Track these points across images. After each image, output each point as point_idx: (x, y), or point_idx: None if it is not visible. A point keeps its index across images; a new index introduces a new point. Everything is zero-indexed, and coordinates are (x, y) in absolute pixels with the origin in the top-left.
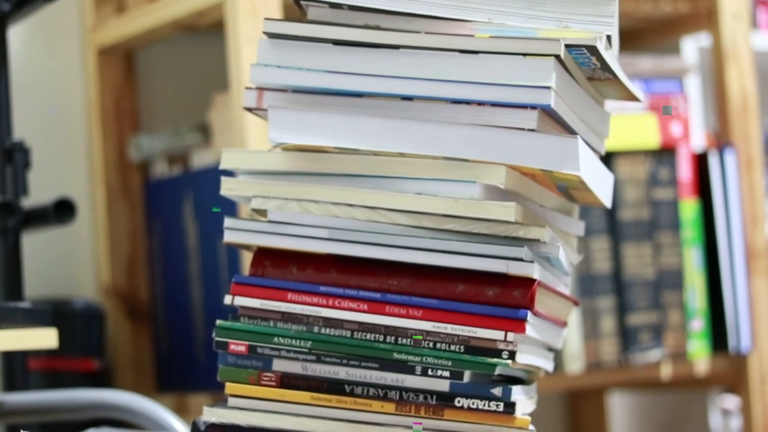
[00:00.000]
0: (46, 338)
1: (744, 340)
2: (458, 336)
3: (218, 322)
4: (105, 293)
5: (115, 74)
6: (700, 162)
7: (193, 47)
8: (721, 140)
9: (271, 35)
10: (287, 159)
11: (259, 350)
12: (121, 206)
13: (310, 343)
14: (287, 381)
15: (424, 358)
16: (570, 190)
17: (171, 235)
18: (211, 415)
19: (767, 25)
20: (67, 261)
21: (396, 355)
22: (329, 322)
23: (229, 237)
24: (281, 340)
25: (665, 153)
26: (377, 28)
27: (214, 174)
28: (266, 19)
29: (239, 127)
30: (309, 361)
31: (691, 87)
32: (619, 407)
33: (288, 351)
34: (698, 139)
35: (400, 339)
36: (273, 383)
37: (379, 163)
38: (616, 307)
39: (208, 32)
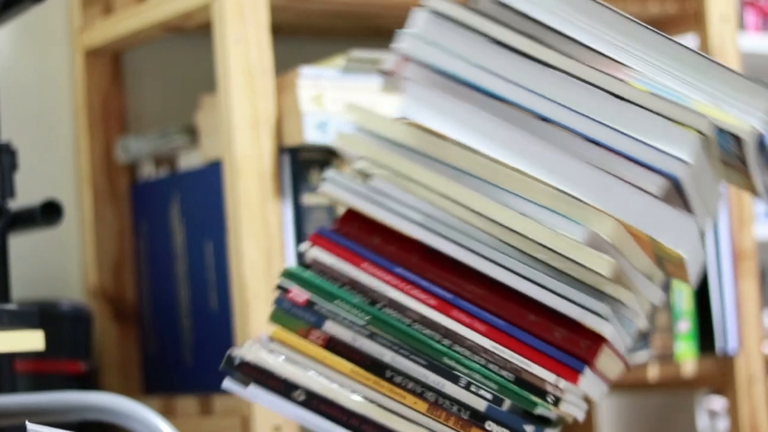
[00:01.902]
0: (32, 340)
1: (731, 342)
2: (513, 364)
3: (287, 266)
4: (92, 295)
5: (103, 76)
6: None
7: (180, 49)
8: None
9: (434, 11)
10: (410, 134)
11: (317, 306)
12: (108, 208)
13: (368, 317)
14: (333, 346)
15: (472, 372)
16: (664, 261)
17: (158, 236)
18: (249, 353)
19: (754, 26)
20: (53, 263)
21: (446, 360)
22: (394, 304)
23: (326, 187)
24: (342, 304)
25: None
26: (538, 40)
27: (201, 176)
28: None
29: (227, 128)
30: (361, 334)
31: None
32: (606, 408)
33: (344, 317)
34: None
35: (455, 346)
36: (320, 343)
37: (496, 171)
38: None
39: (195, 34)
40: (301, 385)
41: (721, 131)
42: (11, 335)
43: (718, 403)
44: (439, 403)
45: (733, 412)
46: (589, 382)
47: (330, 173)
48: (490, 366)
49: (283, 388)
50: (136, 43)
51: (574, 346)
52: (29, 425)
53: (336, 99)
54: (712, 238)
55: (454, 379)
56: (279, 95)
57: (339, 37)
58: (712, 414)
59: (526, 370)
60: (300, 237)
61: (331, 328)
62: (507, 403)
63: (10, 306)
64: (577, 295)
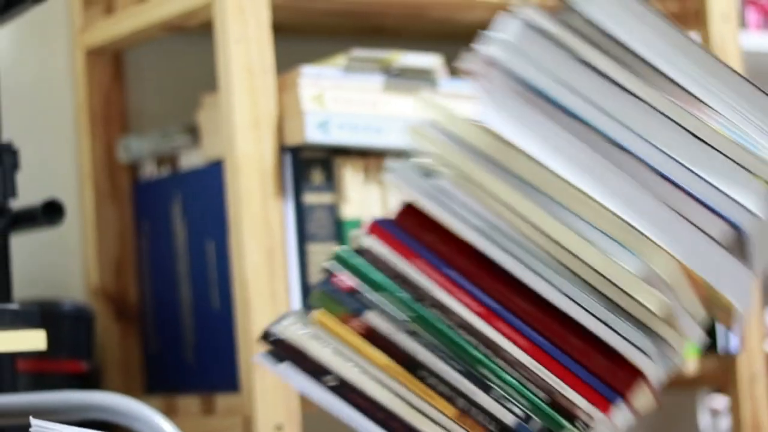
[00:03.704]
0: (34, 340)
1: (733, 340)
2: (548, 384)
3: (338, 249)
4: (93, 294)
5: (104, 75)
6: None
7: (181, 48)
8: None
9: (525, 22)
10: (484, 138)
11: (361, 295)
12: (110, 207)
13: (411, 314)
14: (372, 336)
15: (506, 386)
16: (714, 305)
17: (160, 236)
18: (287, 331)
19: (756, 24)
20: (55, 262)
21: (482, 369)
22: (439, 304)
23: (393, 176)
24: (387, 296)
25: None
26: (623, 63)
27: (203, 175)
28: (530, 8)
29: (228, 128)
30: (401, 329)
31: None
32: None
33: (387, 310)
34: None
35: (493, 356)
36: (359, 331)
37: (563, 190)
38: None
39: (196, 33)
40: (334, 370)
41: None
42: (13, 335)
43: (719, 401)
44: (469, 411)
45: (734, 410)
46: (620, 415)
47: (396, 165)
48: (525, 383)
49: (316, 370)
50: (137, 42)
51: (613, 378)
52: (33, 421)
53: (337, 98)
54: None
55: (487, 390)
56: (280, 94)
57: (340, 36)
58: (714, 413)
59: (561, 393)
60: (301, 236)
61: (372, 318)
62: (536, 423)
63: (12, 306)
64: (624, 328)
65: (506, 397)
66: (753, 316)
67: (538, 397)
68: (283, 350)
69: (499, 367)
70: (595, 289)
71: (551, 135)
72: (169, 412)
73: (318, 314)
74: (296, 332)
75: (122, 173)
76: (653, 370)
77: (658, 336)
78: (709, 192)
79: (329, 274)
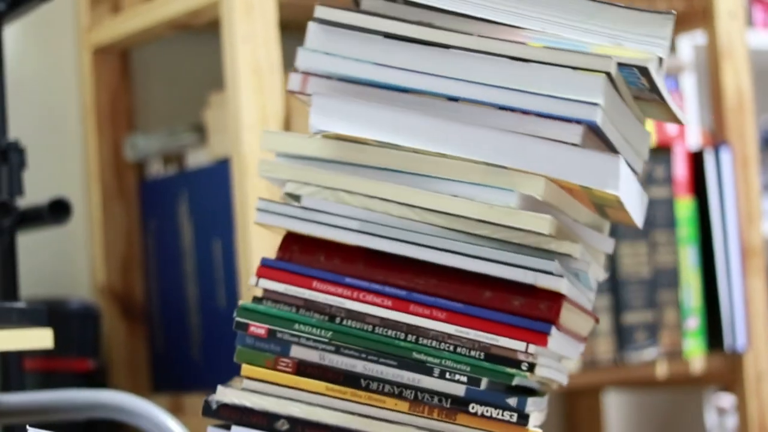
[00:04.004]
0: (41, 338)
1: (739, 339)
2: (480, 342)
3: (241, 302)
4: (100, 293)
5: (111, 74)
6: (696, 160)
7: (188, 47)
8: (717, 138)
9: (322, 21)
10: (326, 147)
11: (279, 335)
12: (117, 206)
13: (330, 333)
14: (304, 369)
15: (443, 361)
16: (604, 207)
17: (166, 234)
18: (224, 395)
19: (763, 22)
20: (62, 261)
21: (415, 355)
22: (352, 314)
23: (260, 218)
24: (302, 327)
25: (661, 151)
26: (430, 25)
27: (209, 174)
28: (318, 5)
29: (235, 126)
30: (327, 351)
31: (687, 85)
32: (614, 406)
33: (307, 339)
34: (694, 138)
35: (421, 339)
36: (289, 369)
37: (418, 161)
38: (612, 306)
39: (203, 32)
40: (282, 414)
41: (627, 68)
42: (20, 333)
43: (726, 400)
44: (419, 399)
45: (741, 409)
46: (558, 342)
47: (259, 203)
48: (459, 350)
49: (266, 421)
50: (144, 41)
51: (534, 310)
52: (31, 430)
53: None
54: (721, 236)
55: (428, 372)
56: (287, 93)
57: None
58: (721, 411)
59: (495, 345)
60: None
61: (297, 352)
62: (484, 382)
63: (19, 304)
64: (525, 260)
65: (448, 371)
66: (759, 314)
67: (476, 358)
68: (229, 415)
69: (430, 347)
70: (486, 237)
71: (386, 115)
72: (176, 411)
73: (246, 369)
74: (232, 393)
75: (129, 172)
76: (570, 288)
77: (561, 254)
78: (549, 104)
79: (243, 327)
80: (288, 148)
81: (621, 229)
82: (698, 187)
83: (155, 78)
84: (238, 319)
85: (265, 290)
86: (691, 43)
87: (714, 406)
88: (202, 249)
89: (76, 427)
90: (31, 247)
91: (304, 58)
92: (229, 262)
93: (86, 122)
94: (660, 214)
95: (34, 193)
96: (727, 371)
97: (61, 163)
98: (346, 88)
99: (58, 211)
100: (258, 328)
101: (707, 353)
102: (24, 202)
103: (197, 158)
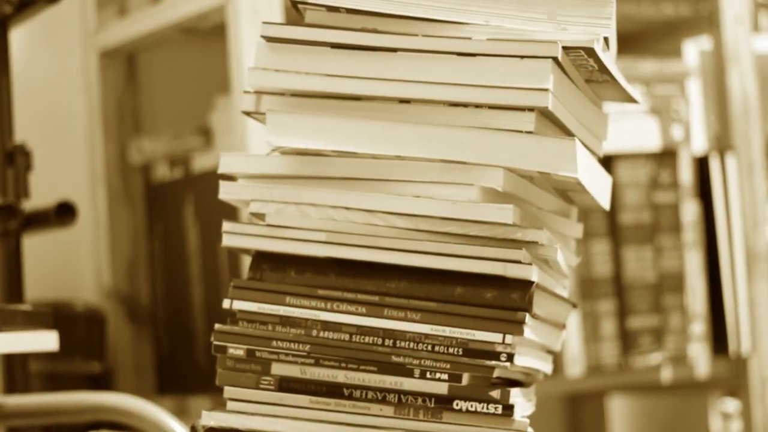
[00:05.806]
0: (46, 341)
1: (744, 344)
2: (456, 339)
3: (216, 326)
4: (106, 296)
5: (117, 77)
6: (701, 165)
7: (194, 50)
8: (722, 144)
9: (269, 39)
10: (285, 163)
11: (258, 354)
12: (123, 209)
13: (308, 346)
14: (286, 385)
15: (422, 361)
16: (568, 192)
17: (172, 237)
18: (210, 419)
19: None
20: (68, 263)
21: (394, 358)
22: (327, 325)
23: (227, 241)
24: (279, 343)
25: (666, 156)
26: (374, 31)
27: (215, 177)
28: (264, 22)
29: (241, 129)
30: (307, 364)
31: (693, 90)
32: (619, 411)
33: (286, 354)
34: (699, 143)
35: (398, 342)
36: (272, 387)
37: (377, 166)
38: (617, 311)
39: (209, 35)
40: None
41: (573, 51)
42: (25, 336)
43: (731, 405)
44: (403, 401)
45: (746, 414)
46: (536, 330)
47: (226, 226)
48: (437, 348)
49: None
50: (150, 44)
51: (507, 301)
52: None
53: None
54: (725, 240)
55: (409, 374)
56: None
57: None
58: (726, 416)
59: (471, 340)
60: None
61: (278, 369)
62: (465, 377)
63: (25, 306)
64: (493, 252)
65: (428, 371)
66: (764, 319)
67: (456, 354)
68: None
69: (408, 349)
70: (450, 234)
71: (339, 125)
72: (181, 414)
73: (229, 391)
74: (218, 416)
75: (135, 174)
76: (540, 274)
77: (528, 243)
78: (499, 95)
79: (222, 350)
80: (247, 168)
81: (626, 234)
82: (704, 192)
83: (161, 81)
84: (216, 342)
85: (240, 311)
86: (697, 48)
87: (719, 411)
88: (208, 252)
89: (80, 429)
90: (37, 249)
91: (254, 78)
92: (234, 265)
93: (92, 125)
94: (665, 219)
95: (41, 195)
96: (732, 376)
97: (67, 165)
98: (299, 102)
99: (64, 213)
100: (236, 350)
101: (712, 358)
102: (30, 204)
103: (203, 161)
